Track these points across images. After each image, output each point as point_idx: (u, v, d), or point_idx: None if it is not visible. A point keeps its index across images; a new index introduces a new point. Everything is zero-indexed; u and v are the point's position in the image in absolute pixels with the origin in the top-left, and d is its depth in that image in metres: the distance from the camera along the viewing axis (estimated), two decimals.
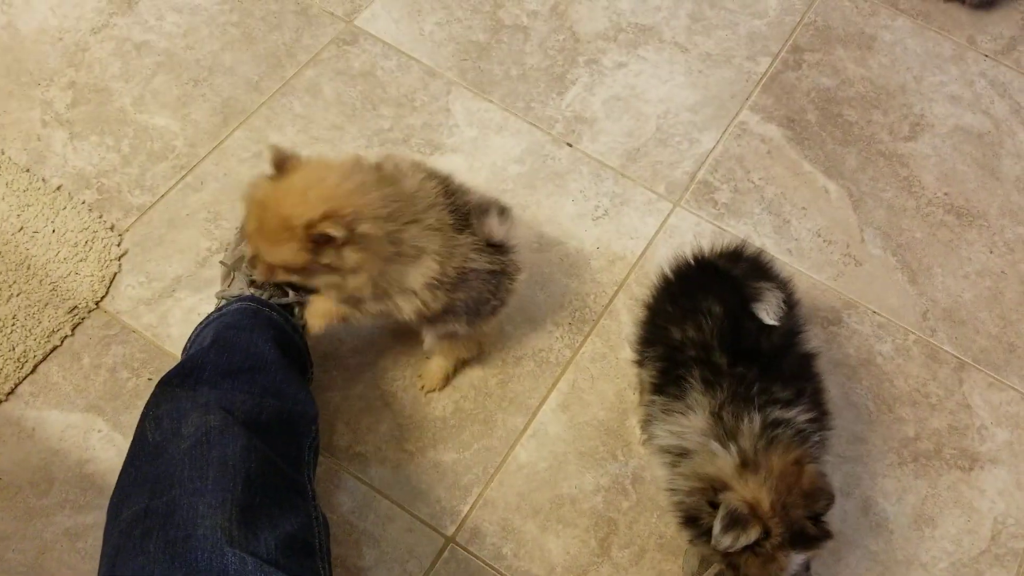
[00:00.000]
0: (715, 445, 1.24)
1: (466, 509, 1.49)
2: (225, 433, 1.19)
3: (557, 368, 1.64)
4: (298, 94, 1.91)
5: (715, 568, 1.29)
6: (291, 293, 1.47)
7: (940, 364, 1.68)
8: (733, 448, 1.23)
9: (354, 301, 1.35)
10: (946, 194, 1.88)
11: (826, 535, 1.23)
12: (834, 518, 1.49)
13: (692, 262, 1.45)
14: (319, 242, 1.22)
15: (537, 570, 1.45)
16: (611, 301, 1.70)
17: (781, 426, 1.25)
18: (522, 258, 1.47)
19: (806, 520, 1.21)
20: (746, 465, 1.21)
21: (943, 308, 1.74)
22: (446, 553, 1.45)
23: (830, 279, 1.76)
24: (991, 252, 1.81)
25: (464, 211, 1.37)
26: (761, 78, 2.02)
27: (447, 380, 1.60)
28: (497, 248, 1.41)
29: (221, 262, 1.60)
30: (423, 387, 1.58)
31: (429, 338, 1.49)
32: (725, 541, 1.16)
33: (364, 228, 1.23)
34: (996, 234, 1.84)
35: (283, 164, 1.28)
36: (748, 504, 1.18)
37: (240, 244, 1.50)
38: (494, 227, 1.39)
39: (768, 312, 1.33)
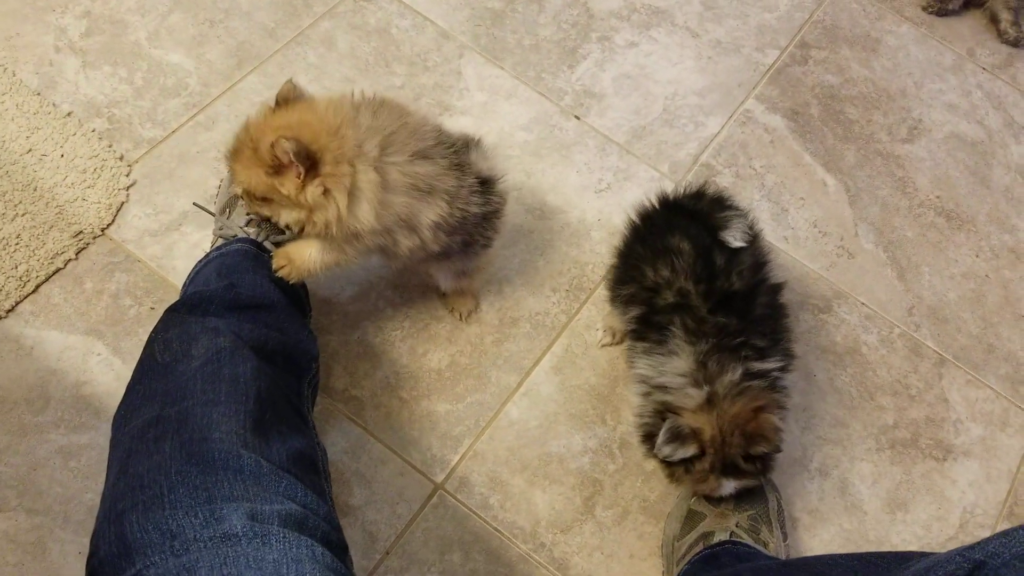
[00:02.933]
0: (693, 389, 1.34)
1: (456, 459, 1.52)
2: (236, 354, 1.20)
3: (552, 332, 1.67)
4: (313, 44, 1.92)
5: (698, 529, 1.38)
6: (287, 230, 1.43)
7: (922, 358, 1.73)
8: (706, 389, 1.33)
9: (350, 237, 1.32)
10: (938, 197, 1.94)
11: (756, 472, 1.37)
12: (812, 496, 1.55)
13: (657, 204, 1.52)
14: (279, 166, 1.23)
15: (522, 522, 1.48)
16: (609, 272, 1.73)
17: (758, 378, 1.35)
18: (507, 187, 1.50)
19: (740, 456, 1.34)
20: (709, 403, 1.33)
21: (928, 305, 1.80)
22: (435, 499, 1.48)
23: (823, 269, 1.80)
24: (977, 256, 1.87)
25: (459, 152, 1.39)
26: (768, 69, 2.06)
27: (476, 300, 1.65)
28: (486, 185, 1.43)
29: (195, 203, 1.61)
30: (459, 315, 1.63)
31: (442, 281, 1.52)
32: (665, 450, 1.33)
33: (328, 168, 1.24)
34: (983, 239, 1.89)
35: (287, 99, 1.29)
36: (692, 428, 1.32)
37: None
38: (479, 162, 1.42)
39: (736, 236, 1.41)
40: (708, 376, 1.34)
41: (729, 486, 1.38)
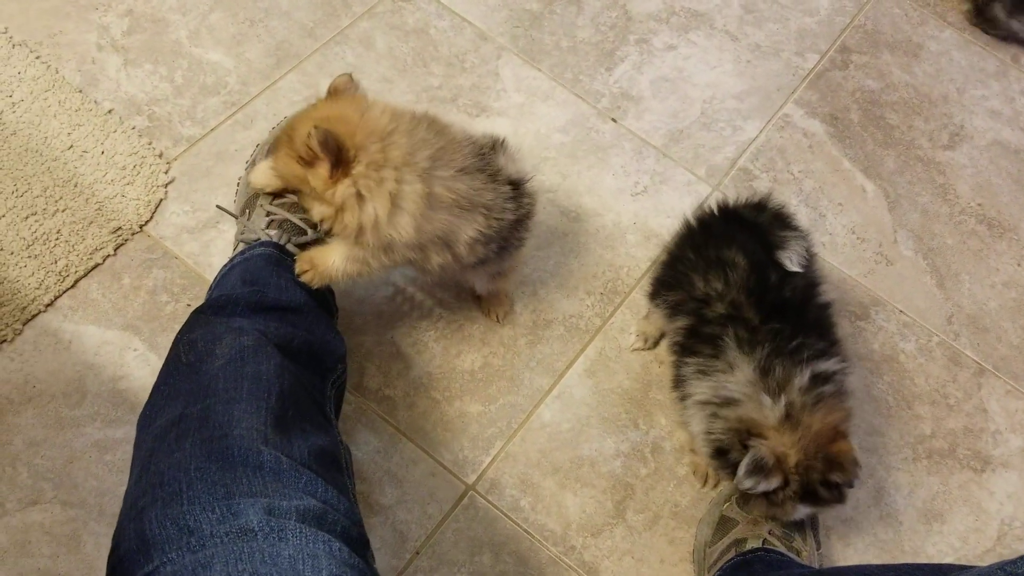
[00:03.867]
0: (765, 397, 1.28)
1: (488, 460, 1.52)
2: (259, 352, 1.20)
3: (586, 335, 1.66)
4: (351, 44, 1.93)
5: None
6: (309, 231, 1.44)
7: (961, 367, 1.71)
8: (782, 400, 1.28)
9: (383, 247, 1.31)
10: (979, 204, 1.91)
11: (836, 500, 1.32)
12: (846, 504, 1.53)
13: (716, 212, 1.49)
14: (310, 157, 1.23)
15: (553, 524, 1.48)
16: (644, 276, 1.73)
17: (826, 381, 1.31)
18: (536, 185, 1.49)
19: (820, 483, 1.29)
20: (789, 418, 1.27)
21: (968, 314, 1.77)
22: (465, 500, 1.48)
23: (861, 275, 1.78)
24: (1019, 265, 1.84)
25: (491, 160, 1.38)
26: (808, 74, 2.04)
27: (511, 301, 1.65)
28: (517, 188, 1.41)
29: (217, 206, 1.62)
30: (496, 317, 1.63)
31: (478, 284, 1.52)
32: (747, 483, 1.27)
33: (363, 170, 1.23)
34: None
35: (338, 92, 1.30)
36: (776, 456, 1.26)
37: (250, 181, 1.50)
38: (508, 165, 1.40)
39: (792, 260, 1.39)
40: (778, 383, 1.29)
41: (803, 511, 1.34)
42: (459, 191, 1.29)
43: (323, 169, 1.23)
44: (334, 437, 1.22)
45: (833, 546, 1.52)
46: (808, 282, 1.42)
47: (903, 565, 1.12)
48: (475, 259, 1.38)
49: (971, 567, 0.95)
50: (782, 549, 1.37)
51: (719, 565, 1.38)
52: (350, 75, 1.32)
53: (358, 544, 1.01)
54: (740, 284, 1.37)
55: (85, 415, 1.48)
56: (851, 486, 1.32)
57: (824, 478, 1.29)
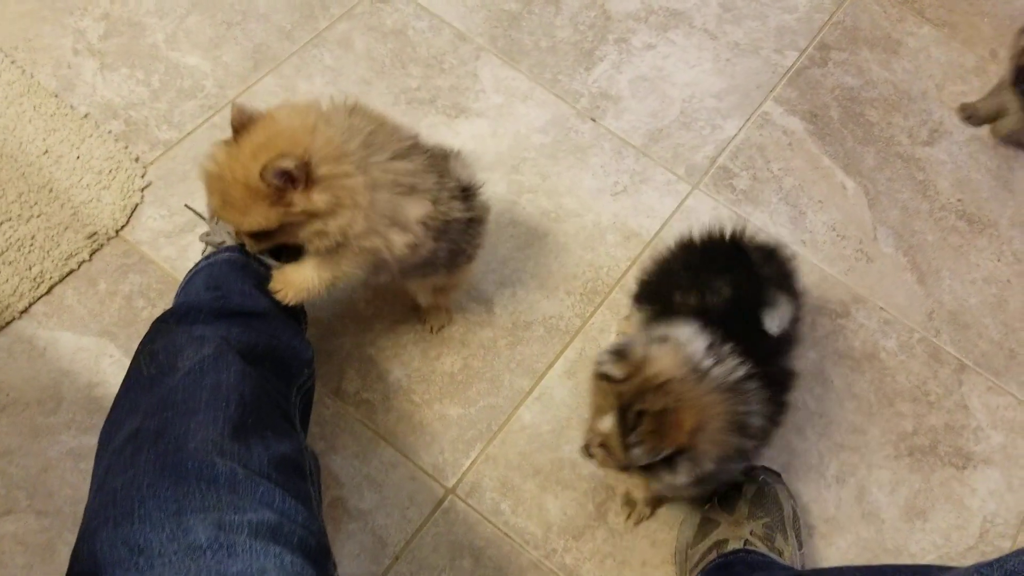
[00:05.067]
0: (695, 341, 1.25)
1: (468, 463, 1.51)
2: (219, 361, 1.17)
3: (566, 336, 1.65)
4: (329, 46, 1.92)
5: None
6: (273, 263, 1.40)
7: (941, 364, 1.71)
8: (702, 358, 1.23)
9: (338, 244, 1.26)
10: (959, 200, 1.91)
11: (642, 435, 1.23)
12: (828, 504, 1.54)
13: (726, 239, 1.44)
14: (279, 190, 1.17)
15: (534, 527, 1.47)
16: (623, 275, 1.72)
17: (744, 384, 1.25)
18: (488, 200, 1.47)
19: (632, 425, 1.22)
20: (674, 379, 1.22)
21: (948, 310, 1.77)
22: (445, 503, 1.47)
23: (841, 273, 1.78)
24: (999, 260, 1.84)
25: (435, 156, 1.36)
26: (787, 71, 2.04)
27: (450, 315, 1.63)
28: (467, 192, 1.39)
29: (186, 206, 1.59)
30: (432, 328, 1.61)
31: (421, 295, 1.52)
32: (603, 357, 1.24)
33: (323, 170, 1.19)
34: (1005, 244, 1.86)
35: (242, 124, 1.21)
36: (633, 368, 1.22)
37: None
38: (458, 170, 1.39)
39: (775, 322, 1.33)
40: (712, 346, 1.25)
41: (636, 456, 1.23)
42: (396, 171, 1.25)
43: (297, 190, 1.18)
44: (298, 443, 1.19)
45: (815, 545, 1.51)
46: (786, 339, 1.38)
47: (883, 566, 1.11)
48: (427, 252, 1.35)
49: (951, 568, 0.95)
50: (764, 550, 1.36)
51: (701, 566, 1.38)
52: (237, 104, 1.23)
53: (317, 554, 1.00)
54: (716, 308, 1.33)
55: (60, 422, 1.46)
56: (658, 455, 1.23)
57: (637, 424, 1.21)
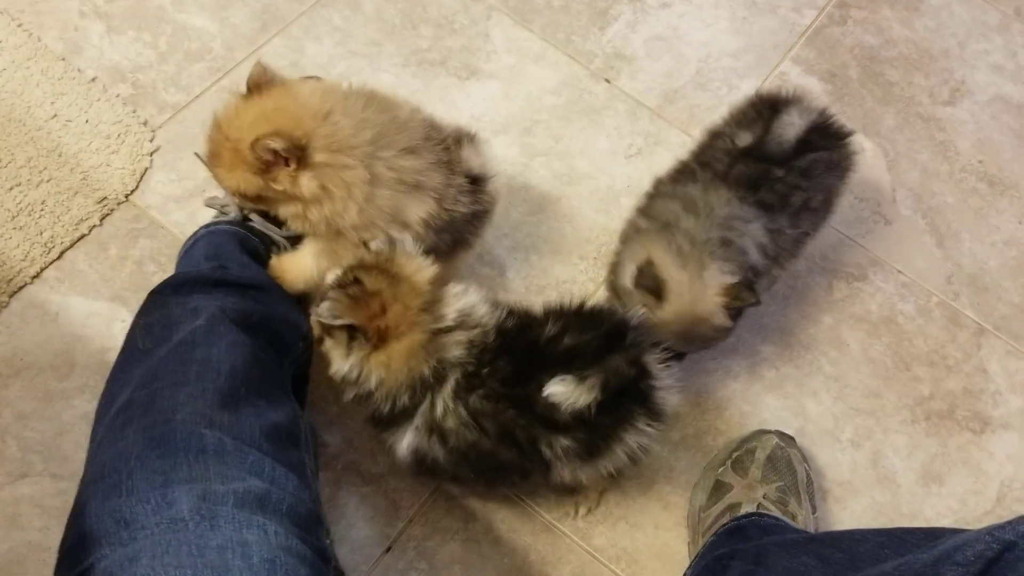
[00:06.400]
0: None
1: None
2: (212, 332, 1.17)
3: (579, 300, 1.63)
4: (338, 6, 1.89)
5: None
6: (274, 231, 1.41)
7: (960, 328, 1.69)
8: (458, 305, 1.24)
9: (335, 235, 1.27)
10: (980, 162, 1.87)
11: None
12: (843, 468, 1.52)
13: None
14: (267, 163, 1.17)
15: (546, 490, 1.46)
16: None
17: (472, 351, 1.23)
18: (499, 187, 1.44)
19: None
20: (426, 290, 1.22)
21: (968, 274, 1.74)
22: None
23: (859, 235, 1.76)
24: (1020, 223, 1.81)
25: (449, 148, 1.34)
26: (805, 30, 2.00)
27: None
28: (476, 183, 1.37)
29: (196, 154, 1.57)
30: None
31: None
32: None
33: (321, 157, 1.19)
34: None
35: (259, 85, 1.22)
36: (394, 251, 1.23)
37: None
38: (471, 158, 1.36)
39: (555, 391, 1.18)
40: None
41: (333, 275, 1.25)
42: (402, 168, 1.25)
43: (283, 169, 1.19)
44: (292, 412, 1.18)
45: (830, 509, 1.50)
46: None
47: (896, 529, 1.10)
48: (428, 246, 1.33)
49: (963, 531, 0.94)
50: (777, 513, 1.36)
51: (713, 529, 1.37)
52: (262, 64, 1.24)
53: (307, 521, 0.99)
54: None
55: (73, 387, 1.47)
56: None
57: (345, 285, 1.20)
